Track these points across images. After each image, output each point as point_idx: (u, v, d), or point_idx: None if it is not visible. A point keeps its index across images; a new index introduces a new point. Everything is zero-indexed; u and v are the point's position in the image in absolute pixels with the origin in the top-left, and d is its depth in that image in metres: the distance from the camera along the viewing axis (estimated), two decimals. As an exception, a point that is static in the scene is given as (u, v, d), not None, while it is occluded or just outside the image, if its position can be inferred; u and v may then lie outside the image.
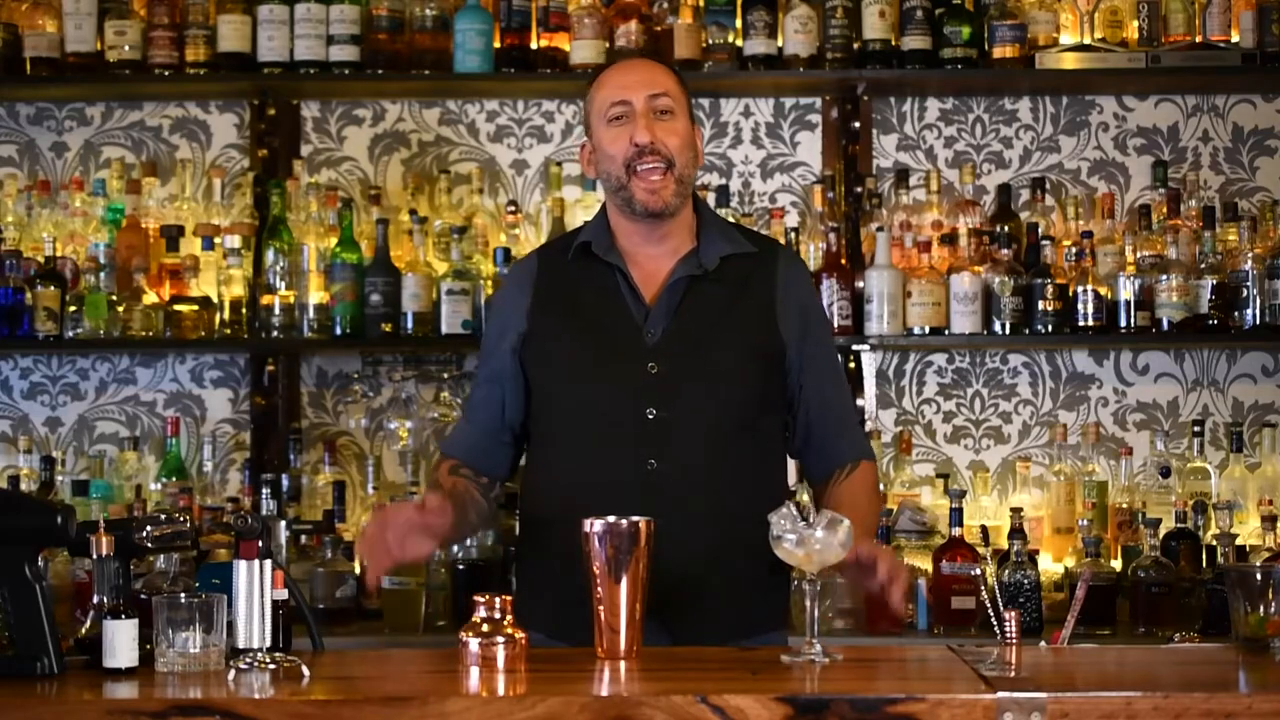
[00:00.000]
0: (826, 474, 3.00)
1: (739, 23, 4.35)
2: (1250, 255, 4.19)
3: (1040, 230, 4.32)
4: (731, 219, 4.04)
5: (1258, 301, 4.17)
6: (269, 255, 4.27)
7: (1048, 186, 4.47)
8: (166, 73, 4.33)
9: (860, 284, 4.24)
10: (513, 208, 4.39)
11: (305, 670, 2.28)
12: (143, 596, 2.43)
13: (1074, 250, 4.24)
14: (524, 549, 3.06)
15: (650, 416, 2.82)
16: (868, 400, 4.39)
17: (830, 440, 2.99)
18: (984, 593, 2.51)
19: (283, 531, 4.06)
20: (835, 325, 4.19)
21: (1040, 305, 4.19)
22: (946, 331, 4.23)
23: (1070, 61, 4.30)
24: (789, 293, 2.95)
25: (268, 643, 2.32)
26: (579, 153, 3.05)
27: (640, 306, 2.90)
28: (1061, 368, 4.51)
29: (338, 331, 4.25)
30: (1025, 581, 3.93)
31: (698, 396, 2.84)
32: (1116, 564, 4.07)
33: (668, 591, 2.65)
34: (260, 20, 4.32)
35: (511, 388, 2.97)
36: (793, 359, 2.94)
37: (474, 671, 2.28)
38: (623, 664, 2.38)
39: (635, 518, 2.43)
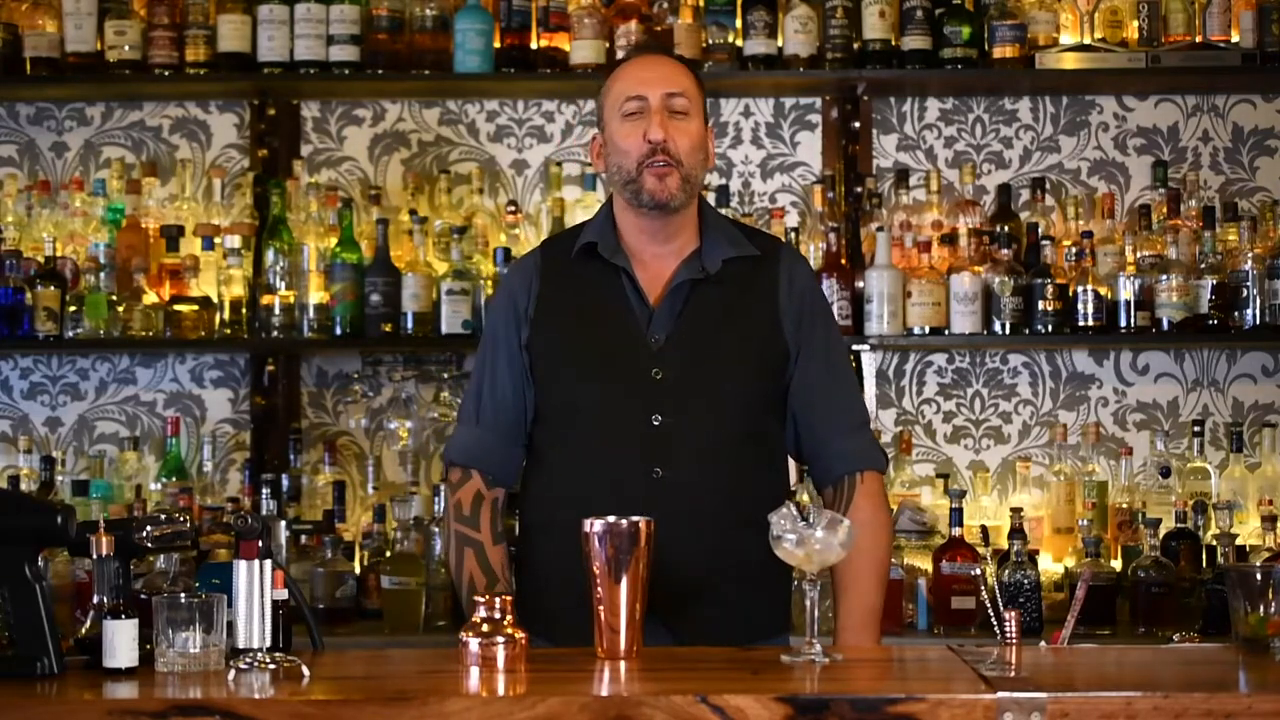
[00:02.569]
0: (824, 484, 2.96)
1: (739, 23, 4.35)
2: (1250, 255, 4.19)
3: (1040, 230, 4.32)
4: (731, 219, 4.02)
5: (1258, 301, 4.17)
6: (269, 255, 4.27)
7: (1048, 186, 4.47)
8: (166, 73, 4.33)
9: (860, 284, 4.24)
10: (513, 208, 4.39)
11: (305, 670, 2.27)
12: (143, 596, 2.43)
13: (1074, 250, 4.24)
14: (524, 553, 2.99)
15: (656, 423, 2.82)
16: (868, 400, 4.38)
17: (825, 445, 2.94)
18: (984, 593, 2.51)
19: (283, 531, 4.06)
20: (835, 325, 4.19)
21: (1040, 305, 4.19)
22: (946, 331, 4.23)
23: (1070, 61, 4.30)
24: (791, 292, 2.94)
25: (268, 643, 2.32)
26: (590, 145, 3.03)
27: (644, 309, 2.89)
28: (1061, 368, 4.51)
29: (338, 331, 4.25)
30: (1025, 581, 3.93)
31: (702, 404, 2.83)
32: (1116, 564, 4.07)
33: (672, 597, 2.65)
34: (260, 20, 4.32)
35: (524, 386, 2.92)
36: (793, 358, 2.92)
37: (474, 671, 2.28)
38: (623, 664, 2.38)
39: (635, 518, 2.43)
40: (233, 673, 2.25)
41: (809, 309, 2.95)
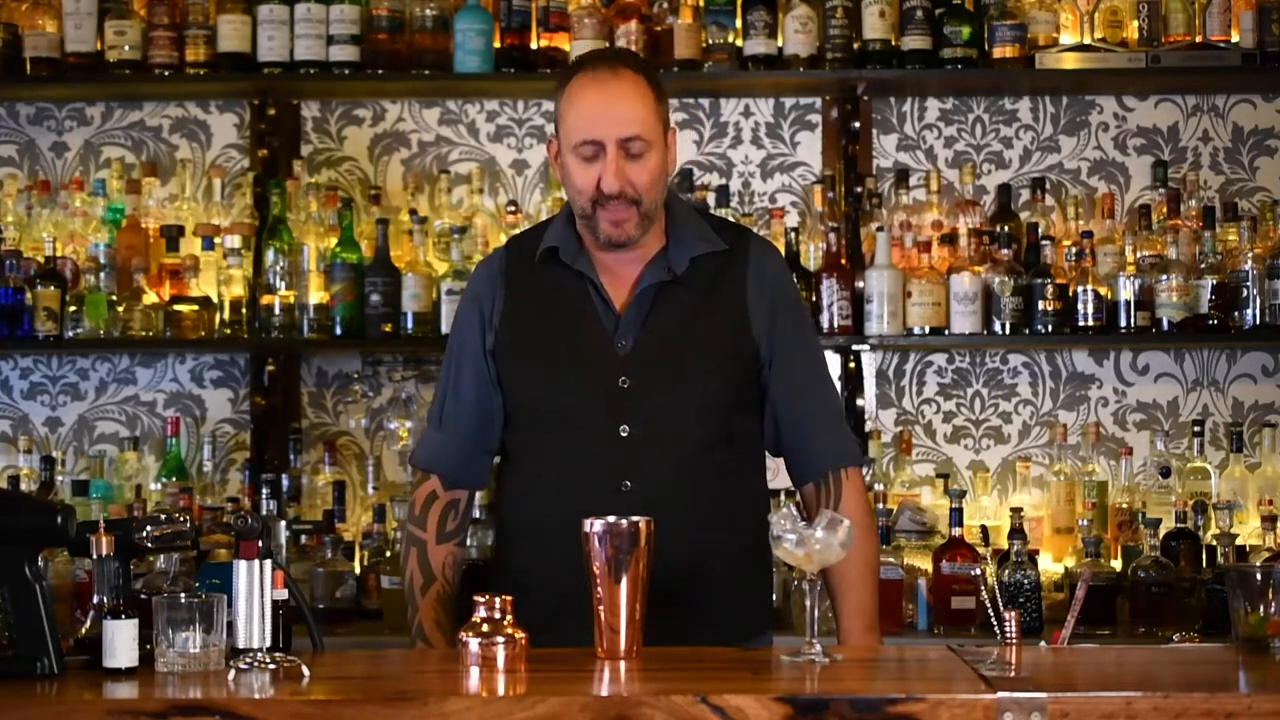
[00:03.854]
0: (805, 479, 2.93)
1: (739, 23, 4.35)
2: (1250, 255, 4.19)
3: (1040, 230, 4.32)
4: (731, 219, 4.02)
5: (1258, 301, 4.17)
6: (269, 255, 4.27)
7: (1048, 186, 4.47)
8: (166, 73, 4.33)
9: (860, 284, 4.24)
10: (513, 208, 4.39)
11: (305, 670, 2.27)
12: (143, 596, 2.43)
13: (1074, 250, 4.24)
14: (501, 555, 2.97)
15: (624, 434, 2.78)
16: (868, 400, 4.39)
17: (806, 440, 2.90)
18: (984, 593, 2.51)
19: (283, 531, 4.06)
20: (835, 325, 4.19)
21: (1040, 305, 4.19)
22: (946, 331, 4.23)
23: (1070, 61, 4.30)
24: (761, 287, 2.87)
25: (268, 643, 2.32)
26: (546, 147, 2.97)
27: (610, 314, 2.83)
28: (1061, 368, 4.51)
29: (338, 331, 4.25)
30: (1025, 581, 3.93)
31: (670, 412, 2.79)
32: (1116, 564, 4.07)
33: (650, 606, 2.63)
34: (260, 20, 4.32)
35: (490, 392, 2.89)
36: (764, 354, 2.87)
37: (474, 671, 2.28)
38: (623, 664, 2.38)
39: (635, 518, 2.43)
40: (233, 673, 2.25)
41: (780, 302, 2.89)
